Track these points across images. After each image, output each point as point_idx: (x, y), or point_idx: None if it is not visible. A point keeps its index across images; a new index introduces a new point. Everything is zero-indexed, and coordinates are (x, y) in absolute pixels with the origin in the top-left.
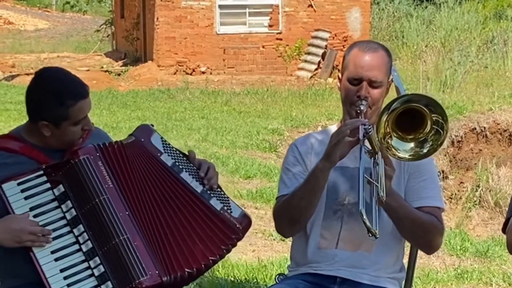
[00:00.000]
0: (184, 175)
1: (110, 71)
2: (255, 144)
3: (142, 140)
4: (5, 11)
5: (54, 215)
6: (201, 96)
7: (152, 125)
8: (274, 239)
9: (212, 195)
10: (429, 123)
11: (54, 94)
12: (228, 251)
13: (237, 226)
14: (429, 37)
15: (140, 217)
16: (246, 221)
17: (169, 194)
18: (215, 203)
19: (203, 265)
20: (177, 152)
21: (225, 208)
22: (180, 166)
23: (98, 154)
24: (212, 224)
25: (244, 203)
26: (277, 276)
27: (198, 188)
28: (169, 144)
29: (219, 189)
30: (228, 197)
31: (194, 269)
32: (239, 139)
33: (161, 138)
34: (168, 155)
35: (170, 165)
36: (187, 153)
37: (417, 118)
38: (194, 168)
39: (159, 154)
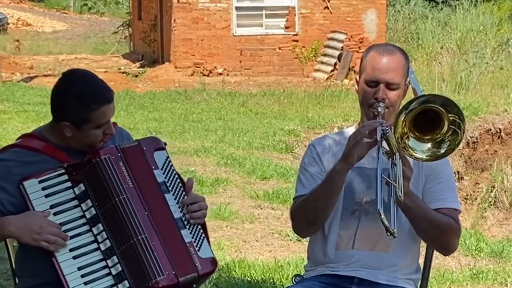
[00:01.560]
0: (169, 197)
1: (127, 73)
2: (272, 145)
3: (144, 148)
4: (23, 13)
5: (73, 213)
6: (218, 97)
7: (165, 144)
8: (290, 240)
9: (187, 227)
10: (446, 123)
11: (79, 96)
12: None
13: (197, 264)
14: (445, 39)
15: (154, 218)
16: (208, 266)
17: (153, 205)
18: (186, 235)
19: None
20: (175, 176)
21: (194, 244)
22: (170, 188)
23: (119, 154)
24: (174, 250)
25: (261, 204)
26: (294, 277)
27: (176, 214)
28: (171, 166)
29: (200, 228)
30: (204, 238)
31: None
32: (256, 140)
33: (167, 157)
34: (163, 173)
35: (159, 181)
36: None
37: (434, 118)
38: (185, 196)
39: (153, 167)
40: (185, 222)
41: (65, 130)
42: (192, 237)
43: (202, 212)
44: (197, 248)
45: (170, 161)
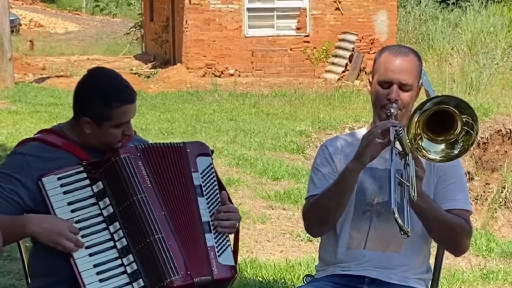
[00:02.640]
0: (201, 200)
1: (139, 74)
2: (283, 145)
3: (188, 151)
4: (35, 14)
5: (91, 211)
6: (229, 98)
7: (212, 151)
8: (301, 240)
9: (213, 232)
10: (459, 124)
11: (101, 93)
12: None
13: (213, 269)
14: (455, 40)
15: (175, 218)
16: (226, 272)
17: (182, 206)
18: (209, 239)
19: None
20: (214, 183)
21: (216, 249)
22: (205, 192)
23: (139, 154)
24: (192, 251)
25: (272, 204)
26: (305, 277)
27: (205, 217)
28: (212, 173)
29: (226, 236)
30: (228, 246)
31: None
32: (267, 141)
33: (210, 164)
34: (201, 178)
35: (195, 184)
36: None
37: (447, 119)
38: (218, 205)
39: (193, 170)
40: (212, 227)
41: (84, 126)
42: (216, 243)
43: (231, 223)
44: (218, 254)
45: (212, 168)
